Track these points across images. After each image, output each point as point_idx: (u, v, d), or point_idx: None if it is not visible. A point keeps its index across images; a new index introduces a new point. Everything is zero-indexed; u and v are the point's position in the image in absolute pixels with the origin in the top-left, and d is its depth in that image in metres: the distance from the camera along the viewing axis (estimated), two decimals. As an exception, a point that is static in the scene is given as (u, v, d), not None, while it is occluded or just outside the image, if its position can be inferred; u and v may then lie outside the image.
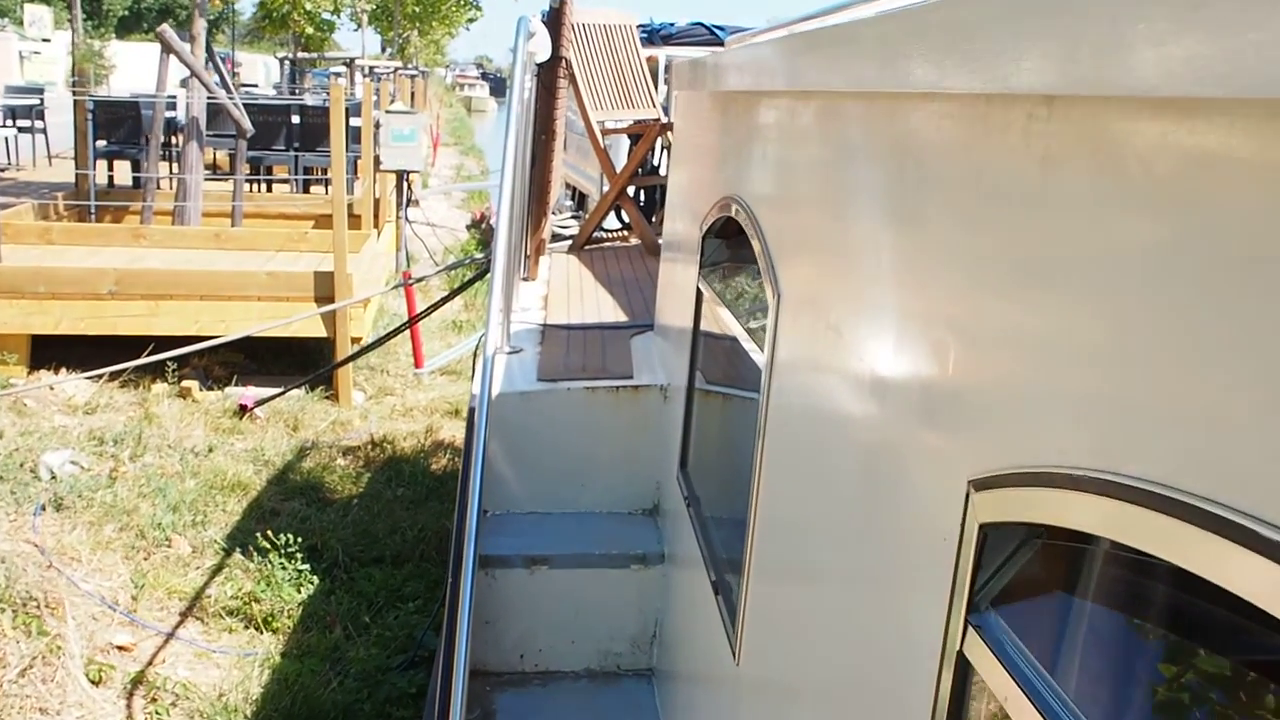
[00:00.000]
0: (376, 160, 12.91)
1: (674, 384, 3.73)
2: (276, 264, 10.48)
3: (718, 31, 7.26)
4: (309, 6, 21.38)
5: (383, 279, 11.24)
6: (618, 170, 6.72)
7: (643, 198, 7.36)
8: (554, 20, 5.47)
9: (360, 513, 7.17)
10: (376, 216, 13.45)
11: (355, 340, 9.38)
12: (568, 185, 11.28)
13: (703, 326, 3.28)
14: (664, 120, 6.92)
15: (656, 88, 7.20)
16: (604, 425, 3.72)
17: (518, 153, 4.31)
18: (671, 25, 7.27)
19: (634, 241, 6.97)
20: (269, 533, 6.37)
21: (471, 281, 8.43)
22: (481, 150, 34.22)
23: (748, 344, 2.59)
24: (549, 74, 5.51)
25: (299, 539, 6.39)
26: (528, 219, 5.72)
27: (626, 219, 6.97)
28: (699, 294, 3.24)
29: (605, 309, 5.09)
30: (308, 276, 9.15)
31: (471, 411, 3.44)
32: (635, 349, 4.34)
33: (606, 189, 7.22)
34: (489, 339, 3.74)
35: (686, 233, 3.61)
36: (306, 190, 14.54)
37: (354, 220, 12.20)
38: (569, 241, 7.04)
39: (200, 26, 12.08)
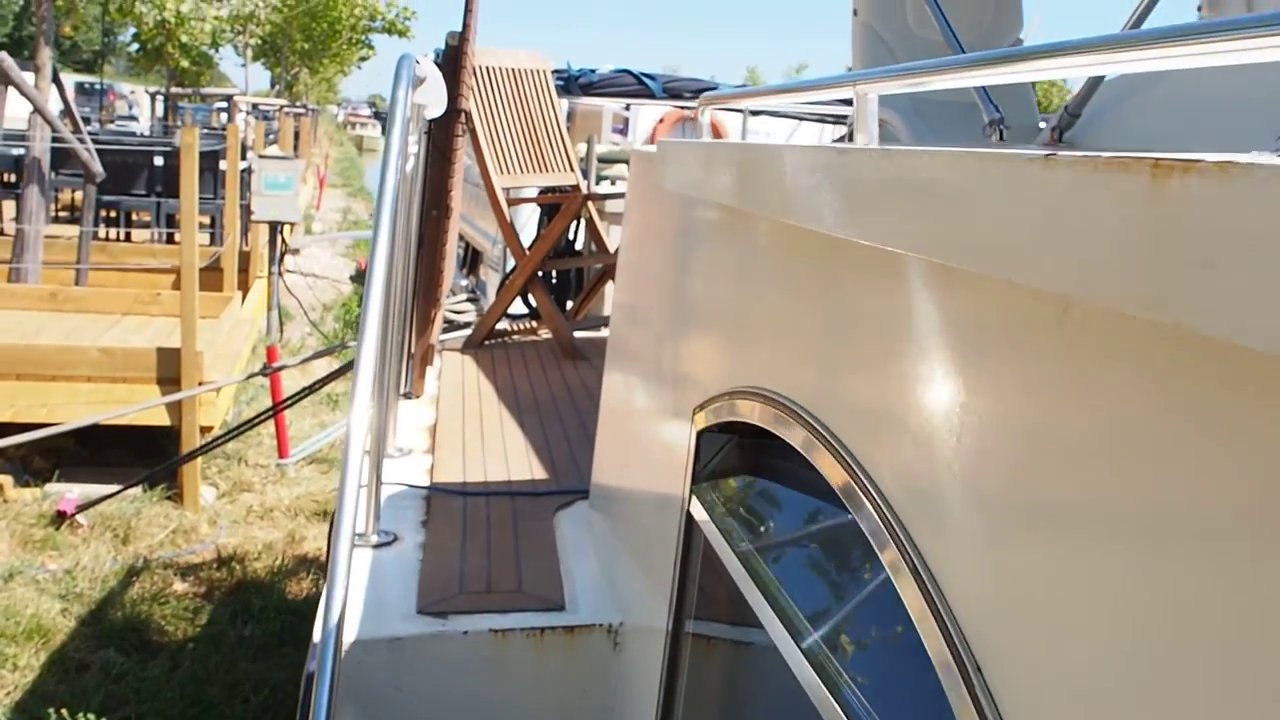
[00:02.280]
0: (247, 210, 11.48)
1: (633, 623, 2.45)
2: (119, 333, 8.96)
3: (647, 81, 6.04)
4: (184, 39, 19.75)
5: (246, 348, 9.76)
6: (525, 247, 5.44)
7: (554, 276, 6.08)
8: (451, 63, 4.19)
9: (194, 665, 5.70)
10: (246, 273, 11.96)
11: (206, 429, 7.90)
12: (460, 239, 9.97)
13: (697, 559, 2.03)
14: (586, 190, 5.67)
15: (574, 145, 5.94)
16: (519, 691, 2.42)
17: (394, 237, 2.97)
18: (593, 72, 6.04)
19: (544, 334, 5.68)
20: (63, 712, 4.88)
21: (339, 373, 7.03)
22: (370, 193, 32.66)
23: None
24: (443, 132, 4.22)
25: (102, 716, 4.93)
26: (412, 316, 4.40)
27: (535, 303, 5.68)
28: (689, 522, 1.98)
29: (515, 453, 3.78)
30: (148, 355, 7.67)
31: (310, 678, 2.05)
32: (564, 539, 3.04)
33: (510, 269, 5.93)
34: (342, 527, 2.35)
35: (658, 409, 2.39)
36: (170, 240, 12.99)
37: (217, 278, 10.70)
38: (463, 332, 5.72)
39: (45, 56, 10.52)
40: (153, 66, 25.32)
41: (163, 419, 7.68)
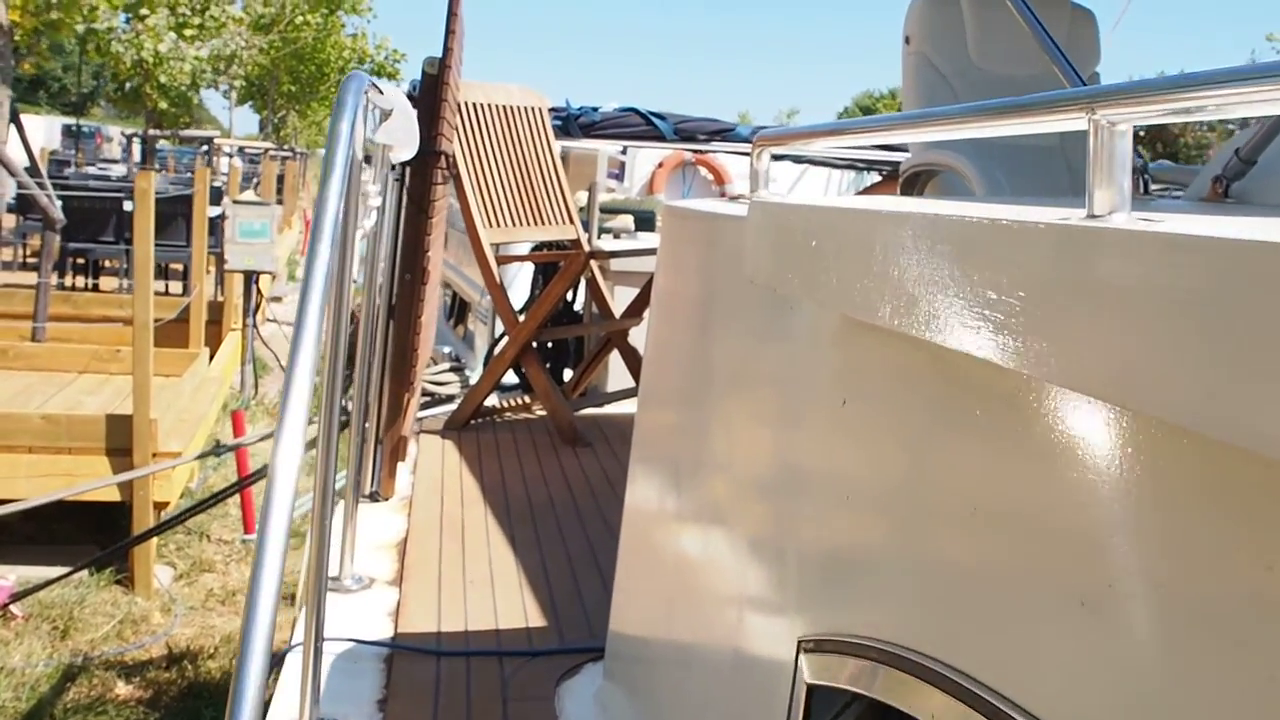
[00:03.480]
0: (220, 259, 10.75)
1: None
2: (71, 394, 8.18)
3: (656, 121, 5.30)
4: (163, 79, 19.06)
5: (214, 409, 8.97)
6: (518, 311, 4.68)
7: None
8: (429, 96, 3.45)
9: (128, 800, 4.89)
10: (220, 325, 11.19)
11: (161, 505, 7.10)
12: (444, 286, 9.22)
13: None
14: (588, 245, 4.91)
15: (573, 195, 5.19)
16: None
17: (327, 303, 2.21)
18: (595, 110, 5.30)
19: (538, 410, 4.91)
20: None
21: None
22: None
23: None
24: (419, 179, 3.47)
25: None
26: (381, 400, 3.63)
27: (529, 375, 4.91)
28: None
29: (505, 586, 3.00)
30: (96, 423, 6.87)
31: None
32: None
33: (499, 335, 5.17)
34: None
35: (733, 618, 1.64)
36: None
37: (184, 331, 9.91)
38: (446, 409, 4.95)
39: (3, 95, 9.80)
40: (133, 108, 24.61)
41: (113, 495, 6.89)
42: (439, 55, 3.49)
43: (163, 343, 9.43)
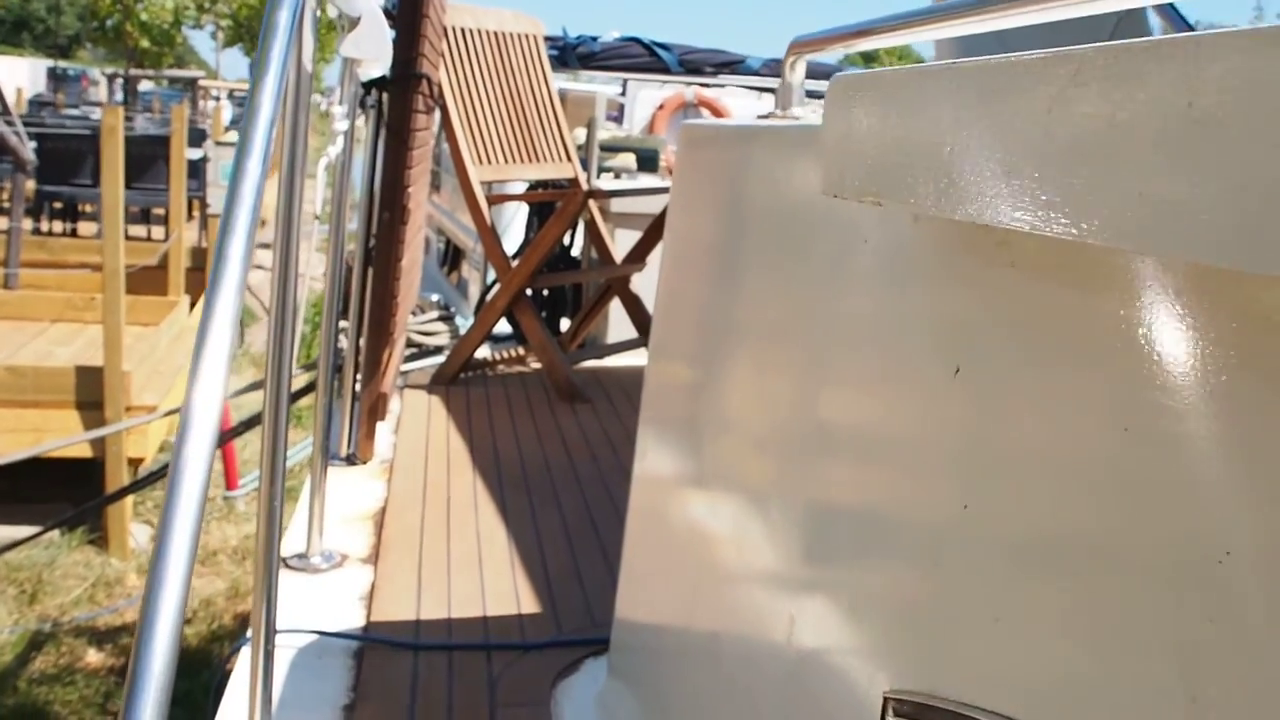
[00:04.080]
0: (201, 203, 10.32)
1: None
2: (42, 344, 7.80)
3: (660, 52, 4.90)
4: (144, 17, 18.43)
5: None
6: (511, 256, 4.31)
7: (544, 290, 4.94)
8: (409, 8, 3.04)
9: (95, 774, 4.58)
10: (204, 271, 10.79)
11: (136, 461, 6.75)
12: (438, 231, 8.84)
13: None
14: (586, 185, 4.53)
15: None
16: None
17: (291, 244, 1.86)
18: (594, 40, 4.89)
19: (533, 364, 4.55)
20: None
21: (302, 392, 5.88)
22: (353, 182, 31.30)
23: None
24: (399, 105, 3.08)
25: None
26: (356, 355, 3.27)
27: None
28: None
29: (494, 565, 2.65)
30: (65, 375, 6.50)
31: None
32: None
33: (492, 281, 4.79)
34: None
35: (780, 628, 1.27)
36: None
37: (162, 278, 9.52)
38: (433, 361, 4.59)
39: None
40: (114, 47, 23.97)
41: (84, 451, 6.54)
42: (420, -35, 3.09)
43: (141, 290, 9.07)
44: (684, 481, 1.74)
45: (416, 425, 3.74)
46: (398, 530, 2.82)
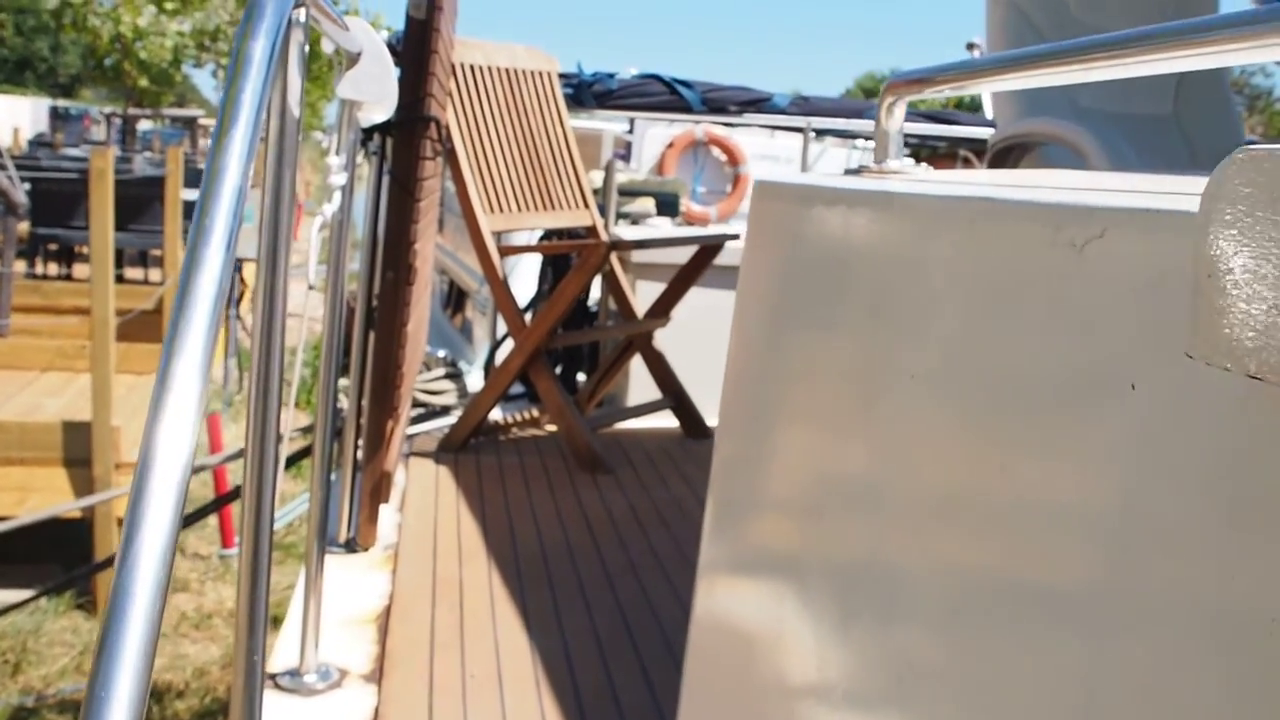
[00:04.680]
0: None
1: None
2: (31, 395, 7.46)
3: (681, 90, 4.58)
4: (143, 56, 18.20)
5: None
6: (524, 309, 3.98)
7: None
8: (415, 45, 2.72)
9: None
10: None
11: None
12: (440, 272, 8.51)
13: None
14: (605, 234, 4.20)
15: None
16: None
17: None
18: (611, 77, 4.58)
19: (549, 428, 4.20)
20: None
21: (300, 455, 5.53)
22: (355, 219, 31.01)
23: None
24: (404, 152, 2.75)
25: None
26: (359, 427, 2.93)
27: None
28: None
29: (519, 689, 2.29)
30: (52, 431, 6.16)
31: None
32: None
33: (501, 339, 4.46)
34: None
35: None
36: (120, 280, 11.50)
37: (159, 325, 9.18)
38: (440, 423, 4.25)
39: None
40: (114, 86, 23.75)
41: (72, 511, 6.19)
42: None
43: (137, 336, 8.74)
44: (780, 595, 1.39)
45: (424, 501, 3.39)
46: (404, 638, 2.46)
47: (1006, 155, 3.22)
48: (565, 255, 4.26)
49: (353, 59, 1.95)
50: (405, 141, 2.75)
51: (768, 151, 11.07)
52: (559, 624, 2.57)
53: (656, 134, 11.19)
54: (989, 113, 7.90)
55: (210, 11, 19.83)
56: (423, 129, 2.72)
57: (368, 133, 2.83)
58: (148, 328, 9.10)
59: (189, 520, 5.73)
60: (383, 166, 2.85)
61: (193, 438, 0.79)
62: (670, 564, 3.00)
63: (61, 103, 38.36)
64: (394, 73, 1.98)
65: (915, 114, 5.50)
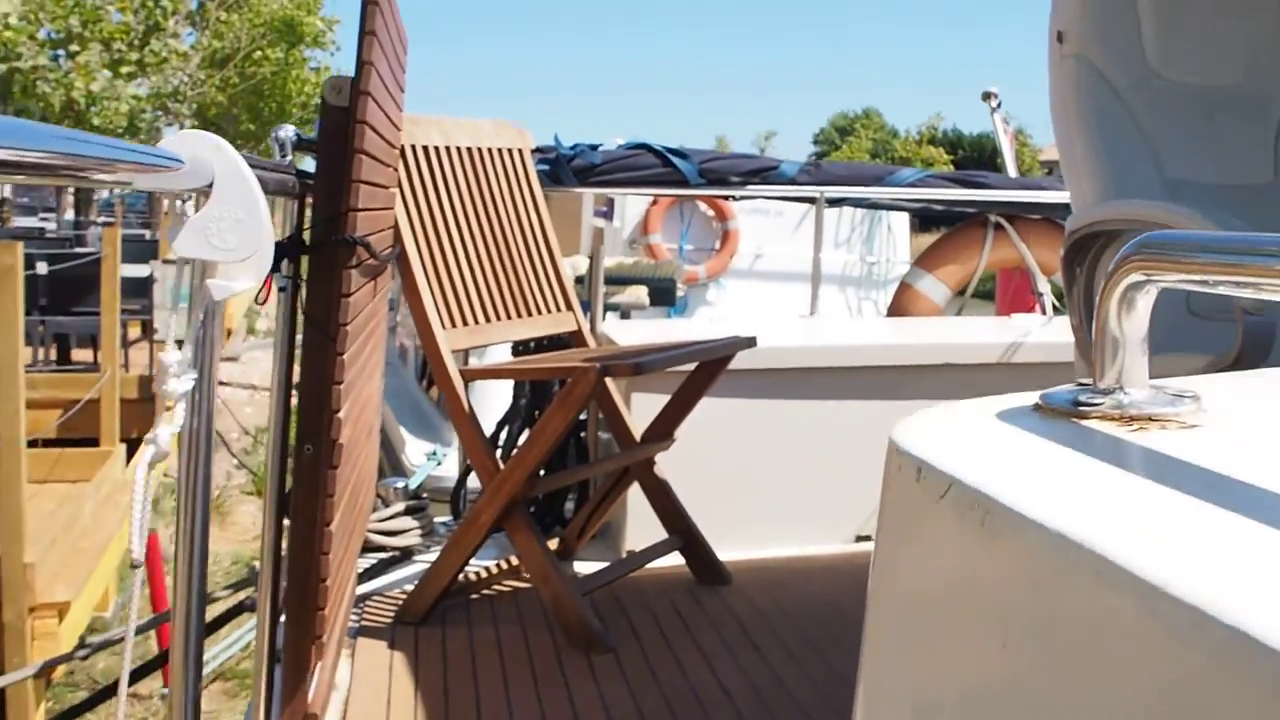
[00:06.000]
0: (147, 326, 9.26)
1: None
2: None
3: (676, 161, 3.87)
4: (96, 121, 17.41)
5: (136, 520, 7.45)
6: (493, 452, 3.25)
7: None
8: (333, 139, 1.99)
9: None
10: (152, 404, 9.67)
11: (50, 670, 5.56)
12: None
13: None
14: (592, 342, 3.47)
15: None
16: None
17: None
18: (594, 149, 3.87)
19: (524, 582, 3.43)
20: None
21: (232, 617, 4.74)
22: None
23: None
24: (322, 288, 2.02)
25: None
26: (273, 653, 2.18)
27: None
28: None
29: None
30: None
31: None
32: None
33: (466, 471, 3.70)
34: None
35: None
36: (62, 362, 10.71)
37: (96, 418, 8.37)
38: (398, 577, 3.51)
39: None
40: (70, 154, 22.90)
41: (-17, 657, 5.37)
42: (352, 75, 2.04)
43: (80, 427, 8.01)
44: None
45: (373, 709, 2.63)
46: None
47: (1089, 244, 2.51)
48: (545, 383, 3.53)
49: (200, 194, 1.21)
50: (322, 273, 2.00)
51: (757, 205, 10.43)
52: None
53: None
54: (1011, 170, 7.24)
55: (168, 74, 19.07)
56: (344, 256, 1.97)
57: (277, 257, 2.09)
58: (88, 419, 8.33)
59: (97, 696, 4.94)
60: (295, 303, 2.11)
61: None
62: None
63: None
64: (261, 213, 1.24)
65: (932, 175, 4.80)
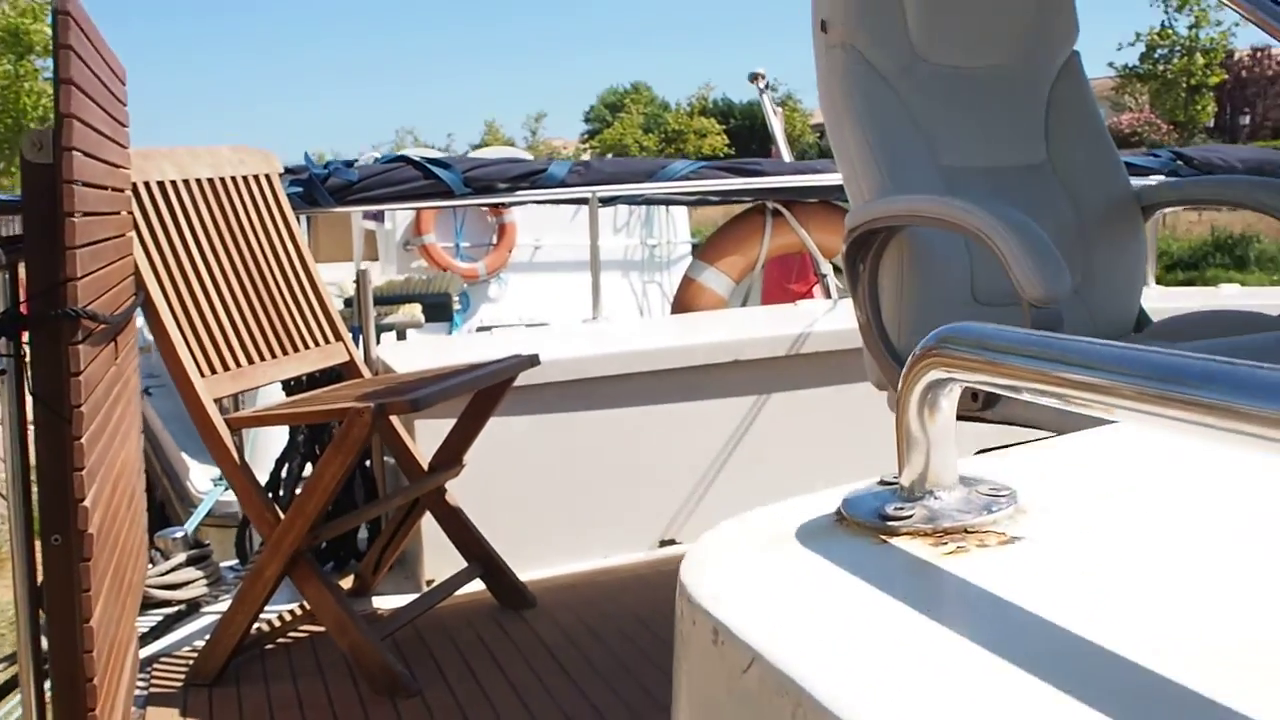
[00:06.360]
0: None
1: None
2: None
3: (439, 172, 3.76)
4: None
5: None
6: (271, 503, 3.08)
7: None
8: (40, 210, 1.80)
9: None
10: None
11: None
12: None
13: None
14: (367, 371, 3.32)
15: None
16: None
17: None
18: (349, 166, 3.72)
19: (321, 627, 3.27)
20: None
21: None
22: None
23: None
24: (48, 363, 1.84)
25: None
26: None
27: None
28: None
29: None
30: None
31: None
32: None
33: (245, 522, 3.51)
34: None
35: None
36: None
37: None
38: (184, 635, 3.31)
39: None
40: None
41: None
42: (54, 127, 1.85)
43: None
44: None
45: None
46: None
47: (869, 241, 2.52)
48: (322, 426, 3.37)
49: None
50: (47, 351, 1.82)
51: (550, 220, 10.28)
52: None
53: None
54: (785, 154, 7.32)
55: None
56: (70, 330, 1.80)
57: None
58: None
59: None
60: (21, 383, 1.92)
61: None
62: None
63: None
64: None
65: (706, 162, 4.80)
